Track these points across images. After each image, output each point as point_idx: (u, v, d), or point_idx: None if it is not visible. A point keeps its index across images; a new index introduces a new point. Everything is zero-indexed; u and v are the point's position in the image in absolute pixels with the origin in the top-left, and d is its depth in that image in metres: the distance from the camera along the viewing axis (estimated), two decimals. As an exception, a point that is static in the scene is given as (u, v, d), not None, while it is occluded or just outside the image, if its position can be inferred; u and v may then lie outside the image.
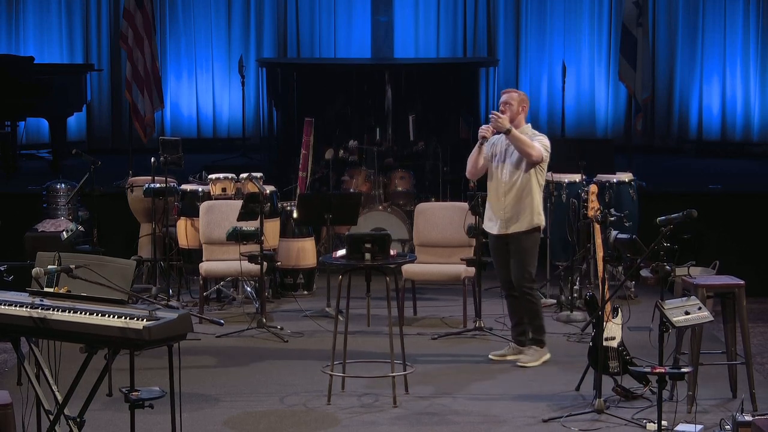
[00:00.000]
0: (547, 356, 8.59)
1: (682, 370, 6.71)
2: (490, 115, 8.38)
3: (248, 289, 10.45)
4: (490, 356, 8.62)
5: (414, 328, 9.56)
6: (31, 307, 5.77)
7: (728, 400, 7.60)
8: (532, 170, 8.38)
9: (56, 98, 13.49)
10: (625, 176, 10.81)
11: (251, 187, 9.93)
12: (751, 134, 15.11)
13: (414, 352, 8.54)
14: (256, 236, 9.41)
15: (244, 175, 10.28)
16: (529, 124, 8.54)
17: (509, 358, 8.65)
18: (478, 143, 8.46)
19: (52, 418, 5.89)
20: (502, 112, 8.40)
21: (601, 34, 15.39)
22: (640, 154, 13.86)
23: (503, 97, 8.53)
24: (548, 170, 10.57)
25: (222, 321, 6.07)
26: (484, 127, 8.44)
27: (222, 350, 8.95)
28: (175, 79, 15.63)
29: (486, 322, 9.46)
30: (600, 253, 7.69)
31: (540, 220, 8.46)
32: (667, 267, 7.08)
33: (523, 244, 8.44)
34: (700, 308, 6.97)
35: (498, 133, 8.40)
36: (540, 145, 8.36)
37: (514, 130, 8.30)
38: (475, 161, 8.54)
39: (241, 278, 10.29)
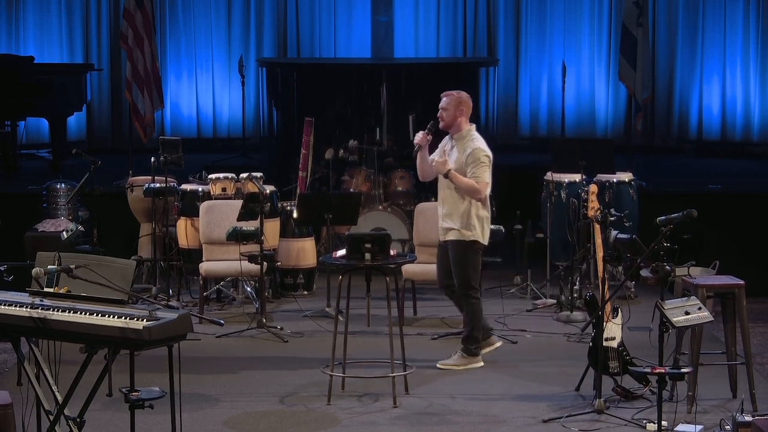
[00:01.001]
0: (478, 365, 8.43)
1: (682, 370, 6.71)
2: (433, 163, 8.34)
3: (248, 289, 10.44)
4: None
5: (414, 328, 9.55)
6: (31, 307, 5.78)
7: (728, 400, 7.60)
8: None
9: (56, 98, 13.48)
10: (625, 176, 10.81)
11: (251, 187, 9.92)
12: (751, 134, 15.10)
13: (414, 352, 8.53)
14: (256, 236, 9.40)
15: (244, 175, 10.28)
16: (473, 126, 8.47)
17: (492, 348, 8.59)
18: (414, 150, 8.43)
19: (52, 418, 5.90)
20: (440, 118, 8.39)
21: (601, 34, 15.39)
22: (640, 154, 13.85)
23: (441, 101, 8.45)
24: (548, 170, 10.69)
25: (222, 321, 6.08)
26: (419, 134, 8.40)
27: (222, 350, 8.95)
28: (175, 79, 15.63)
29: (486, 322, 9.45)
30: (600, 253, 7.68)
31: (476, 234, 8.29)
32: (667, 267, 7.08)
33: (457, 250, 8.36)
34: (700, 308, 6.97)
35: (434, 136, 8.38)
36: (479, 171, 8.22)
37: (452, 173, 8.25)
38: (420, 166, 8.51)
39: (241, 278, 10.28)
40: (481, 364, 8.47)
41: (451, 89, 8.53)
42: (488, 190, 8.36)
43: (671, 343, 7.40)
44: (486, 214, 8.38)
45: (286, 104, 13.76)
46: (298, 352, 8.88)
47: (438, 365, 8.45)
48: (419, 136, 8.39)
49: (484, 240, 8.40)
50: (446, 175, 8.29)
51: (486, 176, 8.29)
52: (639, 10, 12.70)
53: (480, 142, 8.38)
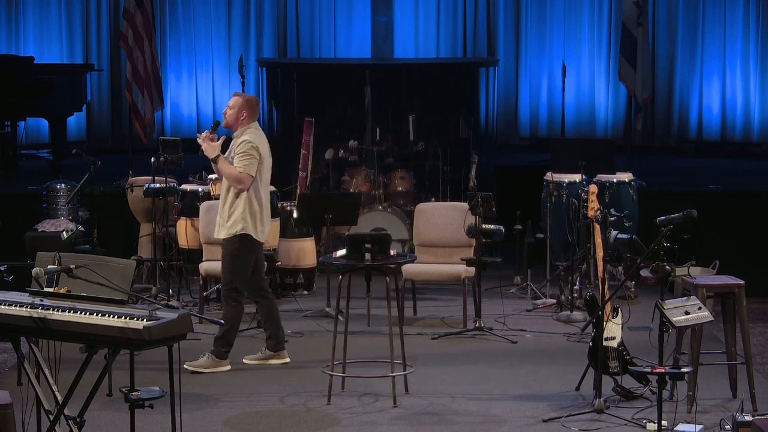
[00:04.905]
0: (225, 368, 8.30)
1: (682, 370, 6.71)
2: (202, 144, 8.25)
3: (248, 289, 10.44)
4: (244, 360, 8.49)
5: (414, 328, 9.56)
6: (31, 307, 5.78)
7: (728, 400, 7.61)
8: None
9: (56, 98, 13.48)
10: (625, 176, 10.81)
11: (251, 187, 9.91)
12: (751, 134, 15.10)
13: (414, 352, 8.54)
14: (256, 236, 9.39)
15: (244, 175, 10.27)
16: (254, 124, 8.32)
17: (281, 362, 8.54)
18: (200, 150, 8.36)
19: (52, 418, 5.90)
20: (224, 115, 8.34)
21: (601, 34, 15.39)
22: (640, 154, 13.85)
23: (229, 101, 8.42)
24: (548, 170, 10.69)
25: (222, 321, 6.09)
26: (203, 134, 8.34)
27: (222, 350, 8.95)
28: (175, 78, 15.63)
29: (486, 322, 9.46)
30: (600, 253, 7.69)
31: (247, 228, 8.19)
32: (667, 267, 7.08)
33: (226, 249, 8.33)
34: (700, 308, 6.97)
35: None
36: (244, 162, 8.13)
37: (221, 158, 8.19)
38: (217, 171, 8.46)
39: (241, 278, 10.27)
40: (228, 367, 8.28)
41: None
42: (257, 187, 8.21)
43: (671, 343, 7.41)
44: (258, 209, 8.24)
45: (286, 104, 13.75)
46: (298, 352, 8.88)
47: (185, 365, 8.25)
48: (202, 136, 8.29)
49: (258, 235, 8.26)
50: (215, 161, 8.21)
51: (251, 169, 8.15)
52: (639, 10, 12.69)
53: (253, 136, 8.24)
